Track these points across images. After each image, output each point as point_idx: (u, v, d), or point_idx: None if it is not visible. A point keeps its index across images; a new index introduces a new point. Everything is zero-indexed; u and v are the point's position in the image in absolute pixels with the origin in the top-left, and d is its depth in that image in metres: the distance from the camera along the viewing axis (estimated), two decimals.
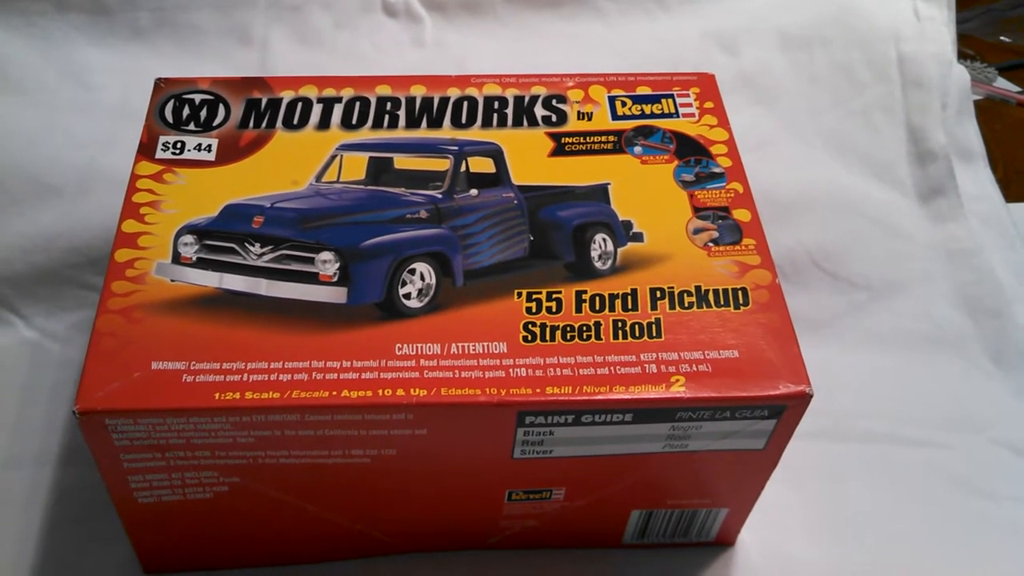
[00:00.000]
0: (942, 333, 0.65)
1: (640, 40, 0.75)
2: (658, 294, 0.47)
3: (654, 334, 0.46)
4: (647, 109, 0.55)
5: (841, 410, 0.60)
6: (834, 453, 0.58)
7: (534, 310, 0.46)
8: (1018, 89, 0.86)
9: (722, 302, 0.47)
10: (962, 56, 0.84)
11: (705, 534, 0.53)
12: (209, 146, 0.52)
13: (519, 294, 0.47)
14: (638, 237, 0.50)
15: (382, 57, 0.73)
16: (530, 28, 0.75)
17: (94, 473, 0.45)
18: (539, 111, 0.55)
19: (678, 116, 0.55)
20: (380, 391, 0.43)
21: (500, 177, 0.52)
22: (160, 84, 0.55)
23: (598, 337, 0.46)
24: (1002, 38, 0.91)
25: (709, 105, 0.56)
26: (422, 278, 0.48)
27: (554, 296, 0.47)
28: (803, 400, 0.44)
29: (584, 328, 0.46)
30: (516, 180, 0.52)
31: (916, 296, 0.66)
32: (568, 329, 0.46)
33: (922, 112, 0.72)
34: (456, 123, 0.54)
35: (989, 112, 0.82)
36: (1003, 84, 0.87)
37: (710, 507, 0.51)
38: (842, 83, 0.73)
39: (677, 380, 0.44)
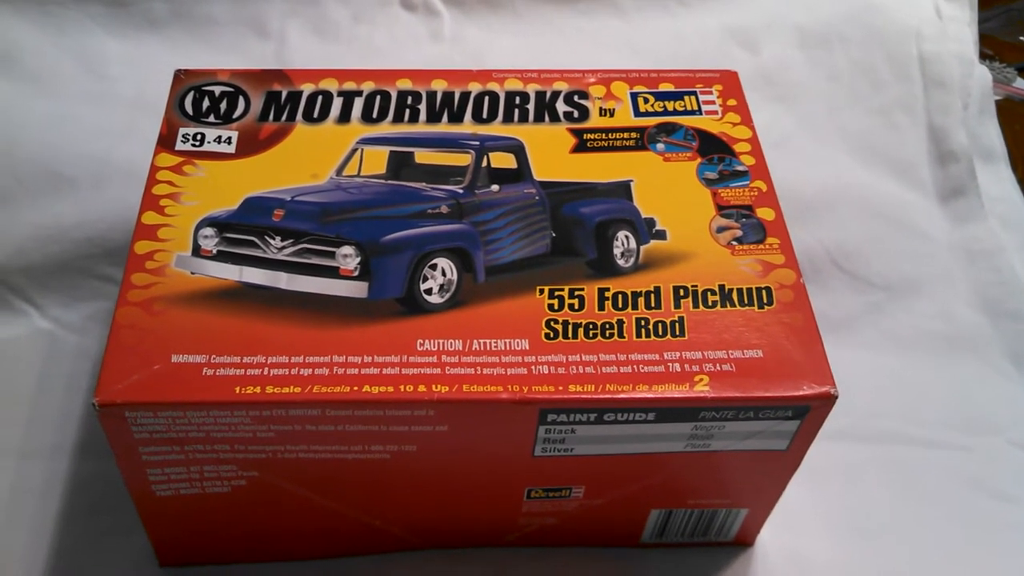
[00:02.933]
0: (961, 334, 0.64)
1: (658, 36, 0.74)
2: (681, 292, 0.47)
3: (677, 333, 0.45)
4: (669, 106, 0.55)
5: (860, 411, 0.59)
6: (853, 454, 0.58)
7: (556, 307, 0.46)
8: None
9: (746, 301, 0.47)
10: (981, 56, 0.83)
11: (724, 534, 0.53)
12: (229, 138, 0.52)
13: (541, 291, 0.47)
14: (661, 235, 0.49)
15: (400, 51, 0.73)
16: (548, 23, 0.75)
17: (110, 464, 0.45)
18: (561, 107, 0.55)
19: (701, 113, 0.55)
20: (401, 387, 0.43)
21: (522, 173, 0.52)
22: (180, 75, 0.55)
23: (621, 335, 0.45)
24: (1022, 38, 0.90)
25: (732, 103, 0.55)
26: (443, 273, 0.47)
27: (576, 293, 0.47)
28: (828, 401, 0.44)
29: (607, 326, 0.45)
30: (538, 176, 0.52)
31: (935, 297, 0.66)
32: (591, 327, 0.45)
33: (944, 112, 0.71)
34: (477, 118, 0.54)
35: (1008, 113, 0.82)
36: (1022, 85, 0.86)
37: (730, 507, 0.51)
38: (862, 82, 0.72)
39: (701, 379, 0.44)
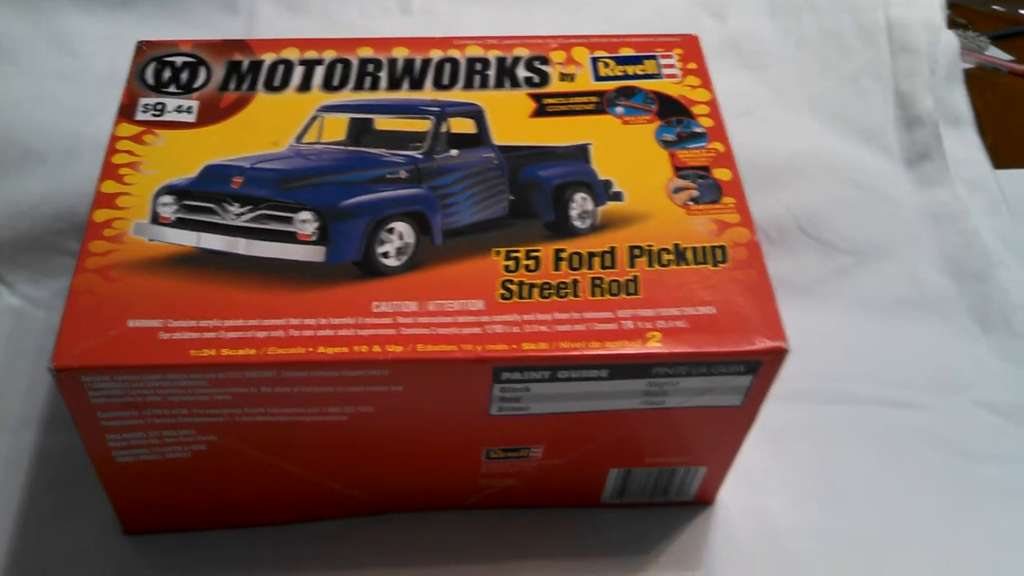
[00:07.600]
0: (927, 297, 0.65)
1: (627, 5, 0.74)
2: (636, 252, 0.47)
3: (632, 291, 0.46)
4: (630, 70, 0.55)
5: (824, 372, 0.60)
6: (816, 414, 0.58)
7: (512, 268, 0.46)
8: (1009, 57, 0.86)
9: (700, 259, 0.47)
10: (954, 25, 0.83)
11: (684, 493, 0.53)
12: (190, 108, 0.52)
13: (497, 252, 0.47)
14: (618, 196, 0.49)
15: (370, 24, 0.73)
16: None
17: (75, 438, 0.45)
18: (521, 72, 0.55)
19: (661, 77, 0.55)
20: (356, 348, 0.43)
21: (481, 138, 0.52)
22: (142, 47, 0.55)
23: (575, 295, 0.45)
24: (994, 7, 0.91)
25: (692, 66, 0.55)
26: (400, 237, 0.48)
27: (532, 254, 0.47)
28: (779, 355, 0.44)
29: (562, 286, 0.46)
30: (497, 141, 0.52)
31: (901, 260, 0.66)
32: (546, 287, 0.46)
33: (910, 77, 0.71)
34: (438, 85, 0.54)
35: (980, 81, 0.82)
36: (994, 53, 0.86)
37: (688, 465, 0.51)
38: (830, 48, 0.73)
39: (653, 336, 0.44)
